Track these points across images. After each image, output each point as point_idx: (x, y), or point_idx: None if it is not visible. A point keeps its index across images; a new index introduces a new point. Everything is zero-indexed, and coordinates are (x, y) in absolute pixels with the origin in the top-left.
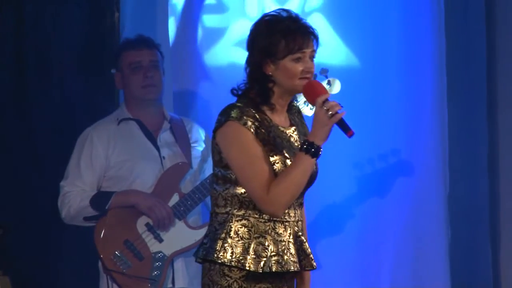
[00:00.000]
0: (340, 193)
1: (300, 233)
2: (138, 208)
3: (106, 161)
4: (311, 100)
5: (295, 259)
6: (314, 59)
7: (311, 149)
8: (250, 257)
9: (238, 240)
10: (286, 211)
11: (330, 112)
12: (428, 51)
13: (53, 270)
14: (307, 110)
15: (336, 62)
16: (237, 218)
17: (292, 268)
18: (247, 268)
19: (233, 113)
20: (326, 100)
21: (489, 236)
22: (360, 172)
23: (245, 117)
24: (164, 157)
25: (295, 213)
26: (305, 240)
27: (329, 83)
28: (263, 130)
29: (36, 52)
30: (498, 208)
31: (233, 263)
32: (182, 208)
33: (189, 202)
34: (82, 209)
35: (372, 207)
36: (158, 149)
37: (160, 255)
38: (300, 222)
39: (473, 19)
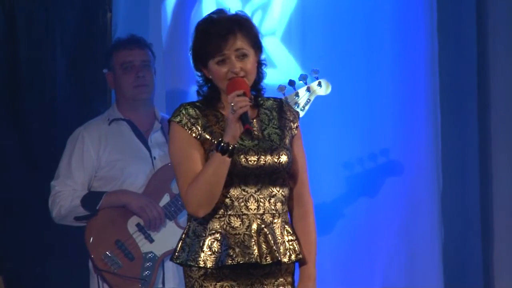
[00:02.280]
0: (332, 193)
1: (264, 226)
2: (129, 208)
3: (97, 161)
4: None
5: (252, 252)
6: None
7: (220, 146)
8: (204, 254)
9: (194, 239)
10: (243, 203)
11: (234, 108)
12: (421, 51)
13: (46, 270)
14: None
15: (329, 62)
16: (195, 217)
17: (243, 260)
18: (201, 265)
19: (174, 113)
20: (236, 96)
21: (481, 236)
22: (353, 172)
23: (181, 116)
24: (155, 158)
25: (258, 206)
26: (268, 233)
27: (319, 84)
28: (198, 127)
29: (29, 51)
30: (491, 208)
31: (189, 262)
32: (172, 209)
33: (179, 203)
34: (73, 209)
35: (365, 207)
36: (149, 149)
37: (151, 255)
38: (269, 215)
39: (465, 19)
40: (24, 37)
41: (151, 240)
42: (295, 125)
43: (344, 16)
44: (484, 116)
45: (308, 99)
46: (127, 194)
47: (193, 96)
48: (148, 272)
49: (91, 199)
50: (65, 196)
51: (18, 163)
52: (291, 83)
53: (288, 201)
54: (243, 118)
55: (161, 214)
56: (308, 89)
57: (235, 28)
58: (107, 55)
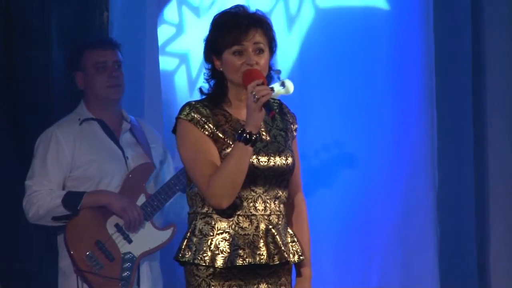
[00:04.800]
0: (329, 192)
1: (271, 227)
2: (110, 208)
3: (72, 160)
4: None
5: (262, 252)
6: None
7: (243, 136)
8: (212, 253)
9: (202, 238)
10: (252, 204)
11: (256, 97)
12: (417, 51)
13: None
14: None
15: (325, 63)
16: (201, 216)
17: (254, 261)
18: (210, 264)
19: (182, 111)
20: (256, 85)
21: (477, 235)
22: (349, 171)
23: (192, 114)
24: (127, 157)
25: (265, 207)
26: (276, 233)
27: (282, 84)
28: (210, 125)
29: (24, 51)
30: (487, 207)
31: (196, 260)
32: (149, 209)
33: (155, 203)
34: (52, 209)
35: (360, 207)
36: (121, 149)
37: (130, 255)
38: (274, 216)
39: (461, 20)
40: (21, 36)
41: (130, 241)
42: (295, 127)
43: (341, 16)
44: (480, 116)
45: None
46: (108, 194)
47: (190, 96)
48: (127, 273)
49: (72, 199)
50: (43, 195)
51: (13, 162)
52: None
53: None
54: (267, 106)
55: (140, 215)
56: (272, 89)
57: (257, 23)
58: (76, 55)
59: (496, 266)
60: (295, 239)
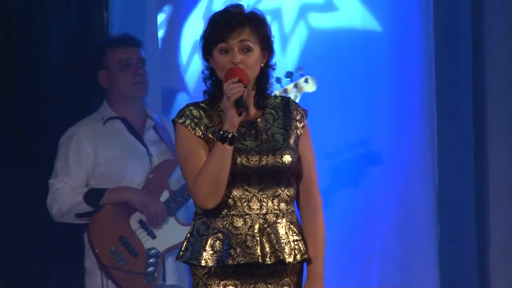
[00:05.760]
0: (328, 192)
1: (266, 226)
2: (131, 204)
3: (94, 158)
4: None
5: (254, 252)
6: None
7: (219, 134)
8: (206, 253)
9: (197, 238)
10: (246, 204)
11: (228, 95)
12: (417, 51)
13: (42, 269)
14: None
15: (325, 64)
16: (199, 217)
17: (244, 260)
18: (203, 264)
19: (178, 114)
20: (231, 83)
21: (477, 235)
22: (348, 172)
23: (184, 116)
24: (152, 154)
25: (261, 206)
26: (271, 232)
27: (306, 81)
28: (201, 127)
29: (25, 51)
30: (487, 207)
31: (191, 261)
32: (172, 205)
33: (179, 199)
34: (75, 206)
35: (360, 207)
36: (145, 146)
37: (154, 251)
38: (272, 215)
39: (461, 19)
40: (21, 36)
41: (154, 236)
42: (301, 124)
43: (339, 16)
44: (480, 116)
45: (295, 95)
46: (129, 190)
47: (189, 96)
48: (152, 268)
49: (93, 195)
50: (65, 193)
51: (14, 162)
52: (289, 75)
53: (297, 199)
54: (238, 103)
55: (163, 211)
56: (296, 86)
57: (245, 21)
58: (100, 53)
59: (496, 266)
60: (300, 237)
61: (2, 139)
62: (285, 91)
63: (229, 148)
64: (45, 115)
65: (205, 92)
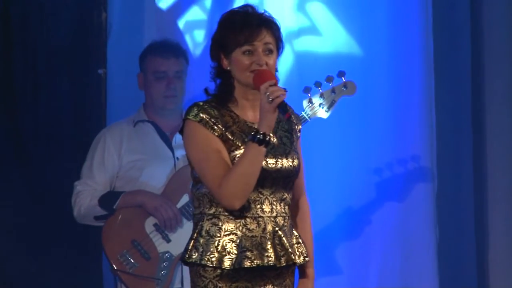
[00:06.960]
0: (328, 193)
1: (278, 229)
2: (144, 207)
3: (118, 160)
4: (259, 90)
5: (270, 254)
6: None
7: (256, 136)
8: (219, 255)
9: (209, 239)
10: (259, 206)
11: (270, 98)
12: (416, 51)
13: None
14: (322, 112)
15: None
16: (208, 217)
17: (262, 263)
18: (217, 265)
19: (190, 112)
20: (269, 86)
21: (476, 236)
22: (347, 173)
23: (200, 115)
24: (178, 158)
25: (272, 209)
26: (283, 235)
27: (345, 85)
28: (220, 126)
29: (23, 52)
30: (486, 207)
31: (203, 261)
32: (191, 209)
33: None
34: (91, 208)
35: (360, 207)
36: (172, 150)
37: (168, 255)
38: (281, 218)
39: (460, 19)
40: (19, 37)
41: (168, 240)
42: (299, 128)
43: (339, 16)
44: (479, 116)
45: (333, 100)
46: (143, 194)
47: (188, 96)
48: (164, 272)
49: (108, 199)
50: (85, 195)
51: (12, 164)
52: (329, 79)
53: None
54: (282, 107)
55: (176, 215)
56: (334, 91)
57: (267, 23)
58: (141, 56)
59: (496, 266)
60: (300, 240)
61: (1, 141)
62: (322, 96)
63: (263, 151)
64: (43, 116)
65: (207, 92)
